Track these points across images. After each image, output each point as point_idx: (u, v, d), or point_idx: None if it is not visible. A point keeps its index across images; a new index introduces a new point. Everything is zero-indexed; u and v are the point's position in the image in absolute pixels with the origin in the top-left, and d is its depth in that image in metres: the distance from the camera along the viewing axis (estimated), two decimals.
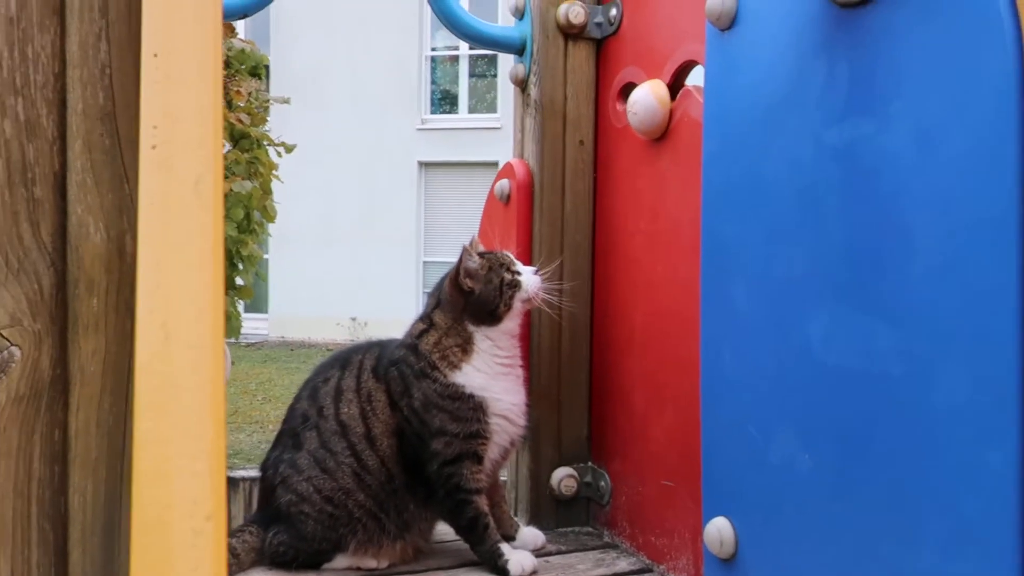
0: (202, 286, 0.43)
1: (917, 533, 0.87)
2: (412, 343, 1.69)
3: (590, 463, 1.91)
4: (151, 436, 0.39)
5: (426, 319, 1.71)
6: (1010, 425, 0.76)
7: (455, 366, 1.65)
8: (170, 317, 0.41)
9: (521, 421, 1.70)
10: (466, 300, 1.65)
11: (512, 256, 1.71)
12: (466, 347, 1.66)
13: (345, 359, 1.75)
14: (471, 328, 1.66)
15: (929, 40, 0.84)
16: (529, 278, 1.68)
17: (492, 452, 1.67)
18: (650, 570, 1.66)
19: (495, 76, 13.70)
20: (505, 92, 13.21)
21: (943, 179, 0.82)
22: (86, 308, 0.80)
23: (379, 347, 1.76)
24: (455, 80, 14.07)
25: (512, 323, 1.67)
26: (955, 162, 0.81)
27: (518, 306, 1.66)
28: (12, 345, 0.78)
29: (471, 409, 1.63)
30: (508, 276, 1.65)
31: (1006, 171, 0.74)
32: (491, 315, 1.65)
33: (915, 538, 0.87)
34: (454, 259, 1.68)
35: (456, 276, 1.65)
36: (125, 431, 0.82)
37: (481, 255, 1.68)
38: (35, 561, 0.79)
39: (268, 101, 5.53)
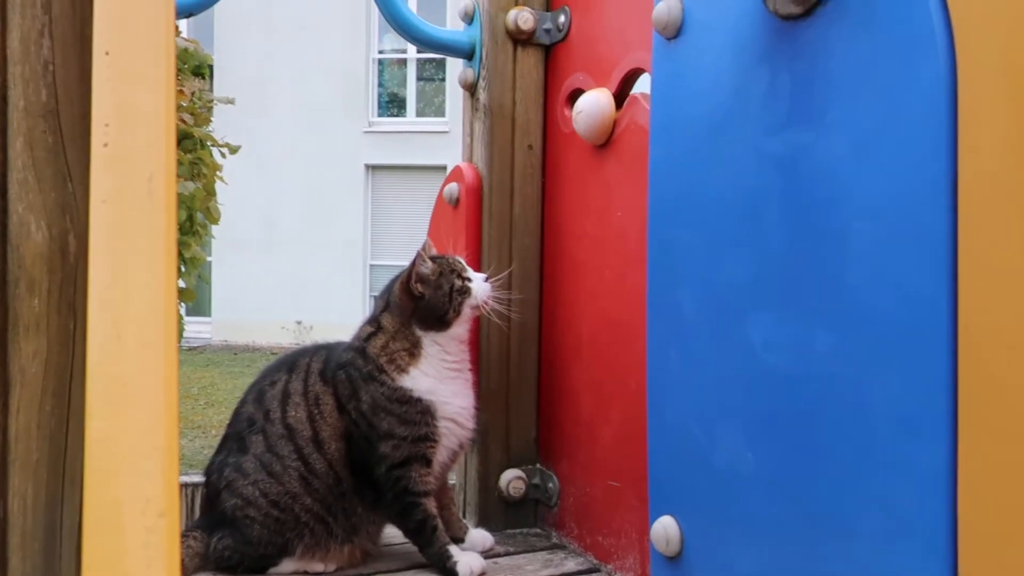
0: (155, 285, 0.42)
1: (854, 528, 0.90)
2: (360, 346, 1.68)
3: (538, 465, 1.92)
4: (103, 435, 0.39)
5: (374, 322, 1.71)
6: (942, 422, 0.79)
7: (403, 370, 1.65)
8: (122, 316, 0.41)
9: (470, 424, 1.70)
10: (416, 305, 1.66)
11: (464, 262, 1.72)
12: (414, 351, 1.66)
13: (292, 362, 1.74)
14: (419, 333, 1.66)
15: (865, 51, 0.87)
16: (479, 285, 1.69)
17: (441, 455, 1.67)
18: (598, 570, 1.68)
19: (443, 80, 13.68)
20: (453, 96, 13.20)
21: (878, 187, 0.85)
22: (27, 308, 0.78)
23: (326, 350, 1.75)
24: (403, 83, 14.02)
25: (461, 329, 1.68)
26: (889, 171, 0.84)
27: (467, 312, 1.67)
28: None
29: (419, 413, 1.63)
30: (459, 282, 1.66)
31: (938, 180, 0.78)
32: (440, 320, 1.65)
33: (852, 533, 0.90)
34: (401, 263, 1.68)
35: (408, 280, 1.66)
36: (67, 433, 0.80)
37: (433, 259, 1.69)
38: None
39: (212, 101, 5.44)
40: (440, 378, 1.66)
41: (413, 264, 1.65)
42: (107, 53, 0.46)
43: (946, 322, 0.77)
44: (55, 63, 0.78)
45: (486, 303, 1.68)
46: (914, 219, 0.81)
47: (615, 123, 1.65)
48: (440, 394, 1.65)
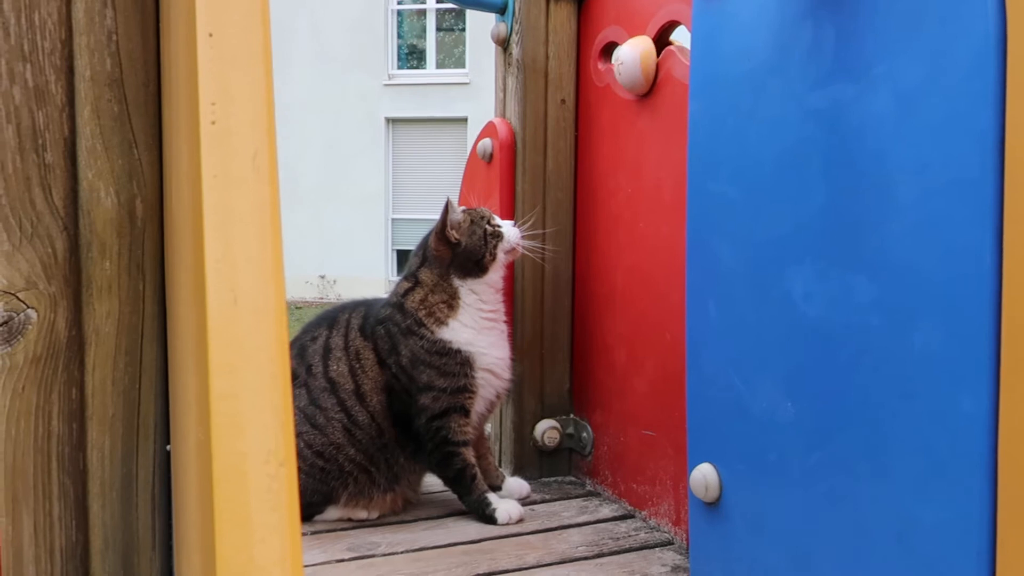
0: (264, 253, 0.45)
1: (893, 475, 0.92)
2: (398, 302, 1.72)
3: (572, 415, 1.97)
4: (226, 392, 0.42)
5: (411, 278, 1.74)
6: (982, 371, 0.81)
7: (442, 322, 1.69)
8: (236, 283, 0.44)
9: (506, 375, 1.75)
10: (453, 252, 1.70)
11: (490, 211, 1.76)
12: (452, 303, 1.70)
13: (332, 318, 1.78)
14: (457, 283, 1.70)
15: (913, 3, 0.87)
16: (509, 229, 1.73)
17: (478, 406, 1.72)
18: (632, 516, 1.72)
19: (463, 30, 13.52)
20: (473, 47, 13.05)
21: (923, 140, 0.86)
22: (99, 271, 0.82)
23: (365, 306, 1.79)
24: (422, 34, 13.86)
25: (496, 275, 1.72)
26: (935, 124, 0.85)
27: (502, 257, 1.71)
28: (28, 308, 0.80)
29: (458, 364, 1.67)
30: (490, 228, 1.71)
31: (984, 133, 0.78)
32: (477, 265, 1.69)
33: (891, 479, 0.93)
34: (423, 216, 1.73)
35: (442, 229, 1.69)
36: (140, 389, 0.84)
37: (462, 210, 1.73)
38: (56, 515, 0.82)
39: None
40: (478, 329, 1.70)
41: (445, 214, 1.68)
42: (211, 35, 0.48)
43: (991, 273, 0.79)
44: (118, 33, 0.80)
45: (519, 245, 1.73)
46: (960, 172, 0.82)
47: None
48: (478, 345, 1.69)
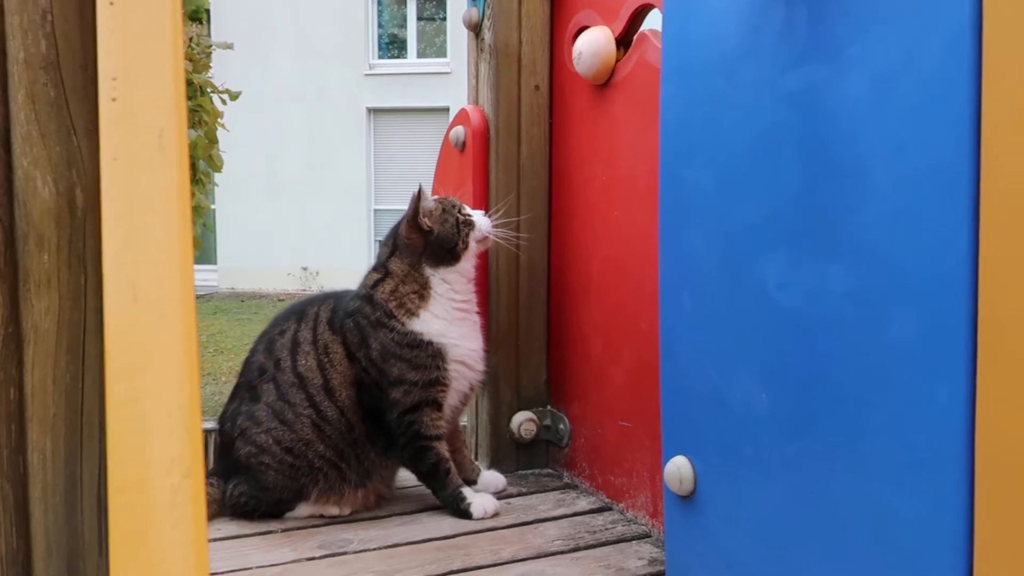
0: (169, 243, 0.42)
1: (869, 466, 0.90)
2: (367, 294, 1.68)
3: (549, 407, 1.94)
4: (125, 397, 0.38)
5: (381, 268, 1.71)
6: (959, 361, 0.78)
7: (413, 313, 1.65)
8: (139, 275, 0.41)
9: (479, 367, 1.72)
10: (425, 240, 1.67)
11: (460, 201, 1.73)
12: (423, 293, 1.67)
13: (301, 311, 1.74)
14: (428, 272, 1.67)
15: None
16: (481, 219, 1.71)
17: (451, 398, 1.69)
18: (609, 508, 1.70)
19: (444, 19, 13.43)
20: (454, 36, 12.96)
21: (898, 124, 0.83)
22: (37, 264, 0.78)
23: (334, 299, 1.76)
24: (403, 24, 13.75)
25: (468, 264, 1.69)
26: (910, 107, 0.82)
27: (473, 245, 1.69)
28: None
29: (430, 356, 1.64)
30: (462, 216, 1.68)
31: (959, 117, 0.76)
32: (450, 253, 1.67)
33: (867, 471, 0.90)
34: (406, 207, 1.69)
35: (414, 216, 1.66)
36: (83, 388, 0.80)
37: (434, 199, 1.71)
38: None
39: (211, 47, 5.34)
40: (450, 320, 1.67)
41: (416, 201, 1.65)
42: (111, 3, 0.44)
43: (966, 260, 0.76)
44: (53, 13, 0.76)
45: (490, 234, 1.72)
46: (935, 156, 0.79)
47: (625, 61, 1.62)
48: (450, 336, 1.66)
